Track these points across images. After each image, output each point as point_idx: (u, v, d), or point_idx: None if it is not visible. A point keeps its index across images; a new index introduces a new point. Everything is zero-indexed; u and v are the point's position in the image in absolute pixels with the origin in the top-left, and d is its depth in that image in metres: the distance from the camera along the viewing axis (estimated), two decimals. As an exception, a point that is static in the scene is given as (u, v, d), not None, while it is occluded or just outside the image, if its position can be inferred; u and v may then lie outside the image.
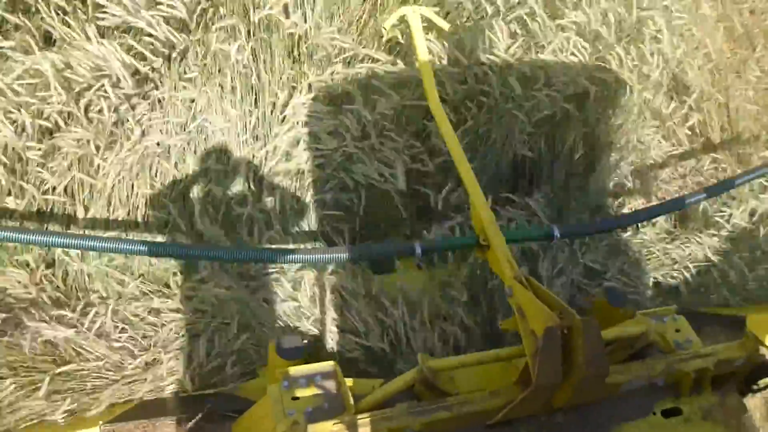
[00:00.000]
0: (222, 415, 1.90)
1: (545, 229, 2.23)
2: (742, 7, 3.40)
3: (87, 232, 2.30)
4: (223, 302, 2.23)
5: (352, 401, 1.60)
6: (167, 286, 2.31)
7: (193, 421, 1.86)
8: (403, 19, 2.60)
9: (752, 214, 2.93)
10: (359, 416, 1.51)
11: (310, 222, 2.60)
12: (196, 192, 2.40)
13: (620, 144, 2.93)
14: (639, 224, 2.83)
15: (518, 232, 2.53)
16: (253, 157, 2.46)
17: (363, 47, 2.61)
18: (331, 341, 2.31)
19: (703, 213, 2.93)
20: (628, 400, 1.74)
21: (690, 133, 3.17)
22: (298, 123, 2.51)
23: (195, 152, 2.38)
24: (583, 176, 2.86)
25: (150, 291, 2.27)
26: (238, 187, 2.44)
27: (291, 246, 2.49)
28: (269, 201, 2.48)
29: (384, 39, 2.65)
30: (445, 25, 2.67)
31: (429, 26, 2.66)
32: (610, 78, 2.75)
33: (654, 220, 2.86)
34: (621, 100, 2.82)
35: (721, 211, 2.92)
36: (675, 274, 2.73)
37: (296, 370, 1.65)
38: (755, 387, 1.86)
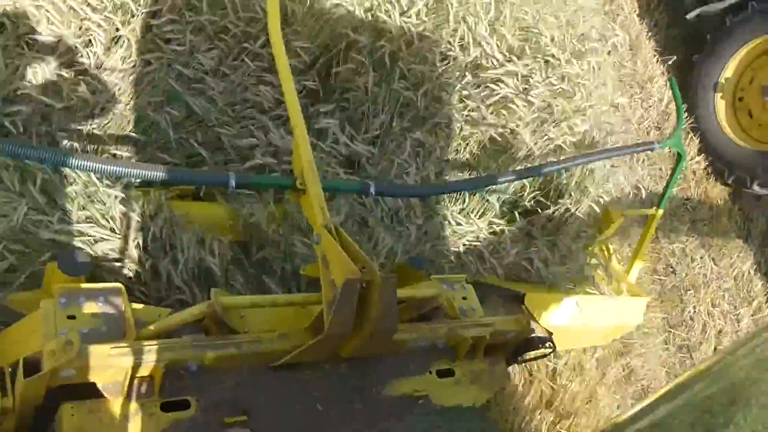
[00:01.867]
0: (-16, 327, 1.72)
1: (362, 184, 2.26)
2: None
3: None
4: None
5: (134, 327, 1.52)
6: None
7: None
8: None
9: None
10: (139, 343, 1.44)
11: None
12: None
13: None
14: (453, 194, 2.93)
15: (335, 181, 2.53)
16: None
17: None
18: (128, 263, 2.16)
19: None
20: (409, 357, 1.83)
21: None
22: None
23: None
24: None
25: None
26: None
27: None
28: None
29: None
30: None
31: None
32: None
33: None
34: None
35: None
36: (473, 246, 2.88)
37: (77, 287, 1.53)
38: (521, 358, 2.05)
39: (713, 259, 4.97)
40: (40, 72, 2.17)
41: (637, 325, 3.47)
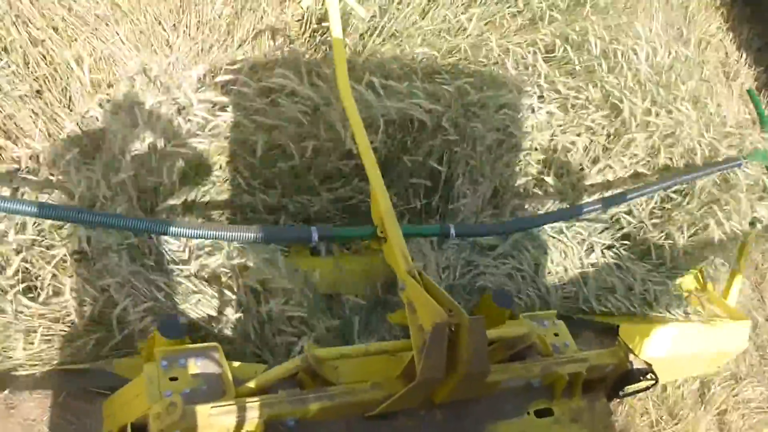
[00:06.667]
0: (93, 392, 1.80)
1: (442, 227, 2.26)
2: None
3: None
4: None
5: (233, 385, 1.56)
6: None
7: (61, 396, 1.76)
8: None
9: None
10: (239, 401, 1.48)
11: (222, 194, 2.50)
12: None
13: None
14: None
15: (415, 227, 2.55)
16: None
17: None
18: (225, 324, 2.23)
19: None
20: (504, 399, 1.79)
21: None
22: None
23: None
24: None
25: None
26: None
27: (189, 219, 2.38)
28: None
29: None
30: (363, 13, 2.64)
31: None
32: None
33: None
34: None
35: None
36: (566, 278, 2.82)
37: (176, 349, 1.59)
38: (621, 393, 1.97)
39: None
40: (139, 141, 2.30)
41: (742, 350, 3.29)
